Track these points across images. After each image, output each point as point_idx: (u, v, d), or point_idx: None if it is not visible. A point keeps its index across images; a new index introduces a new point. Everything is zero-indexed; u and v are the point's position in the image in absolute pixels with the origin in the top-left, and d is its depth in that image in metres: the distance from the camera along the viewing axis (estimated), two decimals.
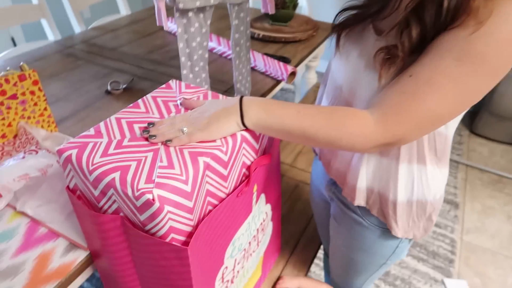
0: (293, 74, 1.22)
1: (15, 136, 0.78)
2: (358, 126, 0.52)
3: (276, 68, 1.21)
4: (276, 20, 1.56)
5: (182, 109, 0.60)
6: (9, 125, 0.77)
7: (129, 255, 0.54)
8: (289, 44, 1.47)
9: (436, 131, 0.61)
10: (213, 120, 0.54)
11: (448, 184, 2.05)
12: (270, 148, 0.67)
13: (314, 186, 0.95)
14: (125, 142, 0.51)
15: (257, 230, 0.73)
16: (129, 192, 0.44)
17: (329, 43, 0.76)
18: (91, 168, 0.47)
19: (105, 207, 0.50)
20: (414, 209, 0.69)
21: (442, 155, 0.65)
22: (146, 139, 0.53)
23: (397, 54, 0.52)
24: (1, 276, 0.54)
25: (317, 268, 1.58)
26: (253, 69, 1.25)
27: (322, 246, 1.13)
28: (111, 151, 0.49)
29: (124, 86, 1.10)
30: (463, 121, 2.60)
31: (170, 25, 1.50)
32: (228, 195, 0.57)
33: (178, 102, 0.62)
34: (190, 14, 0.76)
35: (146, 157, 0.49)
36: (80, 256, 0.59)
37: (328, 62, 0.78)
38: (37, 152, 0.66)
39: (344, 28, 0.66)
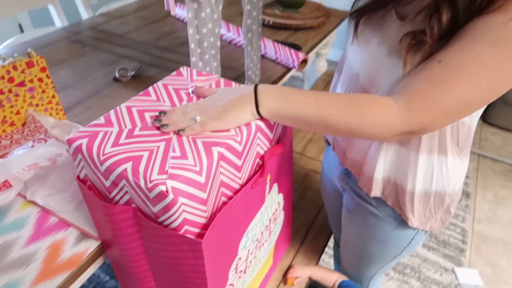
0: (304, 61, 1.19)
1: (23, 124, 0.77)
2: (381, 114, 0.50)
3: (287, 55, 1.18)
4: (287, 7, 1.52)
5: (194, 97, 0.58)
6: (18, 113, 0.75)
7: (141, 246, 0.53)
8: (299, 31, 1.43)
9: (460, 121, 0.58)
10: (227, 109, 0.52)
11: None
12: (283, 137, 0.65)
13: (326, 176, 0.94)
14: (136, 132, 0.50)
15: (270, 220, 0.72)
16: (142, 184, 0.43)
17: (341, 31, 0.73)
18: (102, 158, 0.45)
19: (117, 198, 0.48)
20: (432, 200, 0.67)
21: (464, 145, 0.63)
22: (158, 128, 0.51)
23: (424, 40, 0.49)
24: (14, 266, 0.54)
25: (325, 255, 1.57)
26: (263, 56, 1.22)
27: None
28: (122, 140, 0.48)
29: (132, 73, 1.08)
30: None
31: (178, 11, 1.46)
32: (241, 185, 0.56)
33: (190, 90, 0.60)
34: None
35: (158, 147, 0.47)
36: (91, 246, 0.58)
37: (343, 50, 0.75)
38: (46, 141, 0.65)
39: (363, 14, 0.63)
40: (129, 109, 0.54)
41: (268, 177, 0.63)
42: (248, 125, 0.53)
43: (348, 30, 0.70)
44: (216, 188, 0.50)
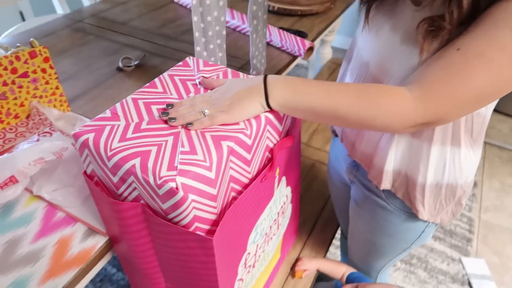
0: (310, 49, 1.16)
1: (27, 116, 0.76)
2: (395, 104, 0.48)
3: (292, 43, 1.15)
4: None
5: (202, 89, 0.57)
6: (22, 105, 0.74)
7: (150, 242, 0.52)
8: (305, 17, 1.40)
9: (475, 112, 0.56)
10: (236, 101, 0.50)
11: None
12: (292, 129, 0.63)
13: (333, 168, 0.92)
14: (144, 125, 0.48)
15: (278, 213, 0.71)
16: (151, 180, 0.42)
17: (347, 17, 0.71)
18: (109, 153, 0.44)
19: (125, 194, 0.47)
20: (443, 192, 0.66)
21: (478, 136, 0.61)
22: (165, 122, 0.49)
23: (443, 25, 0.47)
24: (22, 262, 0.53)
25: (331, 246, 1.57)
26: (268, 44, 1.20)
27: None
28: (129, 135, 0.46)
29: (136, 62, 1.06)
30: None
31: None
32: (251, 180, 0.55)
33: (197, 81, 0.58)
34: None
35: (166, 141, 0.46)
36: (99, 241, 0.57)
37: (351, 37, 0.73)
38: (51, 134, 0.64)
39: None
40: (135, 101, 0.52)
41: (277, 171, 0.62)
42: (257, 117, 0.51)
43: (358, 16, 0.67)
44: (226, 183, 0.48)
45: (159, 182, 0.41)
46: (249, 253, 0.62)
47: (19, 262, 0.54)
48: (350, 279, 0.86)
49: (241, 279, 0.64)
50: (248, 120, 0.51)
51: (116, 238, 0.56)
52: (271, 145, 0.57)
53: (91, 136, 0.46)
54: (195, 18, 0.76)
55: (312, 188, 1.14)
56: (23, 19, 2.32)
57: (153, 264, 0.55)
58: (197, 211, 0.44)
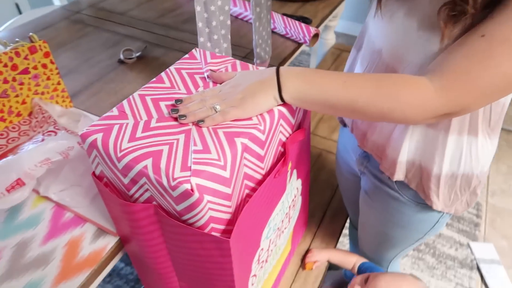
0: (316, 36, 1.13)
1: (30, 114, 0.74)
2: (415, 95, 0.46)
3: (297, 30, 1.12)
4: None
5: (210, 83, 0.55)
6: (23, 102, 0.72)
7: (163, 243, 0.51)
8: (308, 3, 1.36)
9: None
10: (248, 95, 0.48)
11: None
12: (304, 121, 0.61)
13: (341, 159, 0.90)
14: (153, 123, 0.46)
15: (289, 207, 0.70)
16: (164, 182, 0.40)
17: (349, 0, 0.68)
18: (119, 154, 0.42)
19: (136, 195, 0.46)
20: (459, 182, 0.64)
21: (496, 125, 0.60)
22: (175, 119, 0.47)
23: (465, 9, 0.45)
24: (33, 266, 0.52)
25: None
26: (272, 31, 1.17)
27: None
28: (139, 134, 0.44)
29: (137, 54, 1.03)
30: None
31: None
32: (264, 176, 0.53)
33: (205, 74, 0.56)
34: None
35: (177, 139, 0.44)
36: (110, 242, 0.56)
37: (362, 24, 0.70)
38: (56, 133, 0.62)
39: None
40: (142, 98, 0.50)
41: (289, 165, 0.60)
42: (270, 112, 0.50)
43: (369, 1, 0.64)
44: (240, 181, 0.47)
45: (173, 183, 0.39)
46: (262, 249, 0.61)
47: (29, 265, 0.53)
48: (361, 269, 0.85)
49: (255, 275, 0.63)
50: (261, 114, 0.49)
51: (127, 238, 0.55)
52: (284, 139, 0.55)
53: (99, 136, 0.44)
54: (198, 8, 0.73)
55: (319, 178, 1.12)
56: (19, 11, 2.28)
57: (167, 264, 0.54)
58: (212, 211, 0.42)
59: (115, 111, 0.48)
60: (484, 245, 1.52)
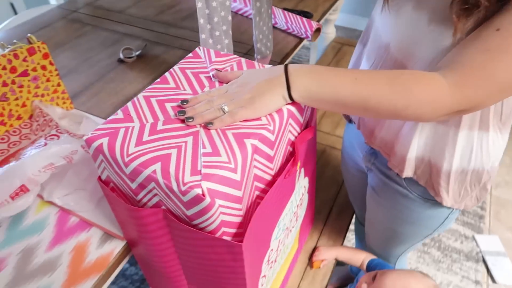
0: (318, 30, 1.12)
1: (30, 117, 0.72)
2: (429, 92, 0.45)
3: (299, 25, 1.11)
4: None
5: (216, 82, 0.53)
6: (24, 105, 0.70)
7: (172, 247, 0.50)
8: None
9: None
10: (257, 95, 0.47)
11: None
12: (311, 119, 0.60)
13: (347, 155, 0.89)
14: (160, 126, 0.45)
15: (297, 205, 0.69)
16: (174, 187, 0.39)
17: None
18: (126, 159, 0.41)
19: (144, 200, 0.45)
20: (469, 178, 0.63)
21: (507, 119, 0.58)
22: (182, 121, 0.46)
23: (479, 2, 0.43)
24: (39, 272, 0.51)
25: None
26: (273, 27, 1.15)
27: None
28: (146, 137, 0.43)
29: (137, 53, 1.02)
30: None
31: None
32: (273, 176, 0.52)
33: (210, 73, 0.54)
34: None
35: (185, 142, 0.43)
36: (117, 246, 0.55)
37: (363, 17, 0.69)
38: (58, 137, 0.61)
39: None
40: (147, 100, 0.49)
41: (298, 164, 0.59)
42: (279, 111, 0.48)
43: None
44: (250, 183, 0.46)
45: (183, 188, 0.38)
46: (272, 250, 0.60)
47: (35, 272, 0.52)
48: (371, 266, 0.84)
49: (264, 276, 0.62)
50: (270, 114, 0.47)
51: (135, 242, 0.54)
52: (292, 138, 0.54)
53: (105, 141, 0.42)
54: (199, 4, 0.71)
55: (324, 175, 1.11)
56: (15, 11, 2.25)
57: (176, 267, 0.53)
58: (223, 215, 0.41)
59: (120, 114, 0.47)
60: (489, 237, 1.51)
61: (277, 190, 0.50)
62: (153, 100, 0.49)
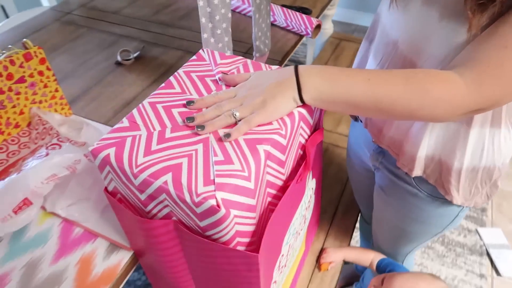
0: (318, 27, 1.10)
1: (28, 124, 0.70)
2: (445, 91, 0.44)
3: (298, 21, 1.09)
4: None
5: (223, 85, 0.51)
6: (21, 112, 0.68)
7: (182, 257, 0.48)
8: None
9: None
10: (268, 98, 0.45)
11: None
12: (320, 121, 0.59)
13: (353, 153, 0.88)
14: (168, 134, 0.43)
15: (306, 208, 0.67)
16: (187, 198, 0.37)
17: None
18: (135, 170, 0.39)
19: (154, 211, 0.43)
20: (480, 175, 0.62)
21: None
22: (191, 127, 0.44)
23: None
24: (45, 287, 0.49)
25: None
26: (272, 24, 1.13)
27: None
28: (154, 147, 0.41)
29: (135, 55, 0.99)
30: None
31: None
32: (284, 181, 0.50)
33: (217, 77, 0.53)
34: None
35: (196, 150, 0.41)
36: (124, 257, 0.53)
37: (375, 14, 0.67)
38: (60, 146, 0.59)
39: None
40: (153, 106, 0.47)
41: None
42: (290, 114, 0.47)
43: None
44: (263, 190, 0.44)
45: (196, 200, 0.36)
46: (282, 255, 0.58)
47: (41, 287, 0.50)
48: (381, 266, 0.83)
49: (275, 282, 0.61)
50: (281, 118, 0.46)
51: (143, 253, 0.52)
52: (303, 141, 0.53)
53: (112, 151, 0.41)
54: (200, 3, 0.69)
55: (328, 174, 1.10)
56: (6, 14, 2.20)
57: (186, 278, 0.52)
58: (238, 225, 0.40)
59: (125, 122, 0.45)
60: (492, 230, 1.51)
61: (289, 196, 0.49)
62: (159, 106, 0.47)
